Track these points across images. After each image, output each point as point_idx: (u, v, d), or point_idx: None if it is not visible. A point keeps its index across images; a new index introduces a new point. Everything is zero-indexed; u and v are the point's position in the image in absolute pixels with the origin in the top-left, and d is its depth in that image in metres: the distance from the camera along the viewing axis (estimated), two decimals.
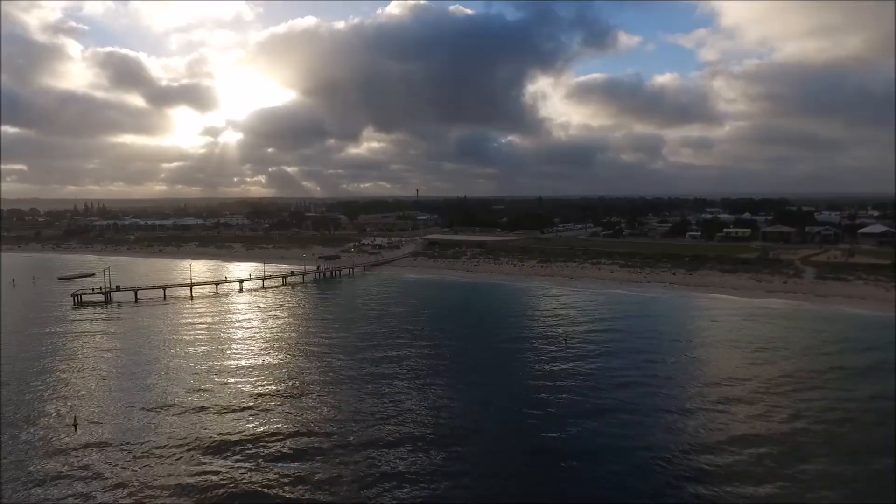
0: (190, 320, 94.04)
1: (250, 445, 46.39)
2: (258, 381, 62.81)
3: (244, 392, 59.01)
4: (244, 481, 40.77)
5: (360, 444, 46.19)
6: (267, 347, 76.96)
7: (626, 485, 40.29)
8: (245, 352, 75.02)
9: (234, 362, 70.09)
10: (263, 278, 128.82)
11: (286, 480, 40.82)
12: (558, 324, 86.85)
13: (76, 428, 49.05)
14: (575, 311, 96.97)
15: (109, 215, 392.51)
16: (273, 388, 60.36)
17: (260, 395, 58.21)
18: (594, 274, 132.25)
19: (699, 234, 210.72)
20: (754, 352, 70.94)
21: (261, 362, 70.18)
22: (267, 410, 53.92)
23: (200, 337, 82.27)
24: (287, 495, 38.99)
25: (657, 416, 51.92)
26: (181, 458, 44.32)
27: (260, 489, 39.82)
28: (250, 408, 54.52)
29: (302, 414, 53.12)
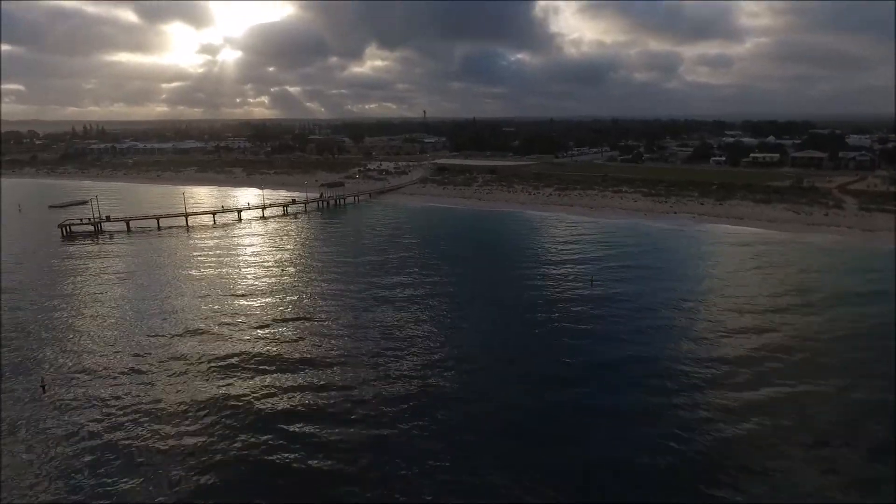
0: (184, 252, 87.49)
1: (258, 369, 46.88)
2: (262, 311, 60.50)
3: (249, 322, 56.12)
4: (258, 401, 41.66)
5: (374, 378, 45.22)
6: (267, 280, 71.13)
7: (633, 405, 40.59)
8: (245, 284, 69.45)
9: (235, 295, 65.88)
10: (263, 207, 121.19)
11: (299, 403, 41.51)
12: (581, 258, 79.63)
13: (44, 389, 43.23)
14: (598, 244, 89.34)
15: (108, 138, 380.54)
16: (276, 316, 58.83)
17: (263, 324, 56.50)
18: (616, 203, 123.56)
19: (723, 159, 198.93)
20: (787, 291, 64.14)
21: (263, 293, 66.58)
22: (274, 340, 52.42)
23: (196, 270, 75.88)
24: (299, 415, 39.80)
25: (675, 343, 50.74)
26: (195, 377, 45.46)
27: (274, 413, 40.29)
28: (255, 337, 52.01)
29: (308, 345, 50.31)
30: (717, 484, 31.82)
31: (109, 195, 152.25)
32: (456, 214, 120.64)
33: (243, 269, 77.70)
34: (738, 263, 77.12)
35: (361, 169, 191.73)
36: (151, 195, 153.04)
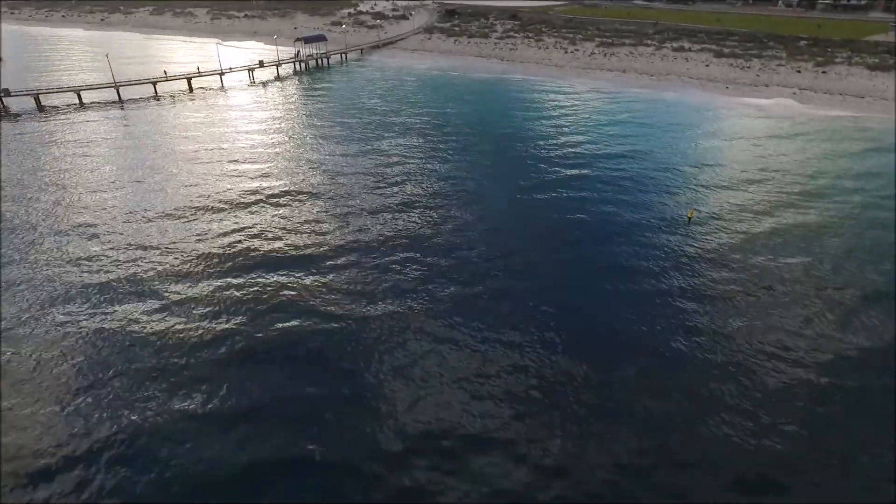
0: (109, 142, 62.40)
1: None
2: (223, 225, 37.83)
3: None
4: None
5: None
6: (225, 176, 47.68)
7: None
8: (183, 194, 46.01)
9: (182, 200, 42.60)
10: (221, 73, 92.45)
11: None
12: (664, 172, 55.42)
13: None
14: (675, 141, 64.30)
15: None
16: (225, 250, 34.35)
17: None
18: (683, 69, 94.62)
19: (795, 1, 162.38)
20: None
21: (205, 209, 43.47)
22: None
23: (126, 171, 51.99)
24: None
25: None
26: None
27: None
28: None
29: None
30: None
31: (33, 49, 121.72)
32: (473, 84, 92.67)
33: (184, 168, 53.46)
34: None
35: (352, 12, 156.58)
36: (88, 49, 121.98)
